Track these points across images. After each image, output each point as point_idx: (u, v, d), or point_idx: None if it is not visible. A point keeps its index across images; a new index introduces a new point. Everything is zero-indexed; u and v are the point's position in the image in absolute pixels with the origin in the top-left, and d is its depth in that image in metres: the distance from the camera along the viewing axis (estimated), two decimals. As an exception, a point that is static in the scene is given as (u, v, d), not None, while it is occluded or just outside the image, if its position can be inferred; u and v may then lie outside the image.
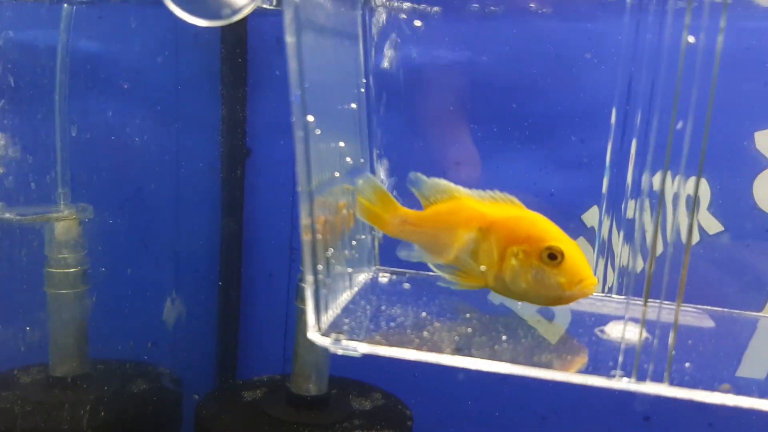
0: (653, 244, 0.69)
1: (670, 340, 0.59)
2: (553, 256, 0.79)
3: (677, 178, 0.74)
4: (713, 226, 1.34)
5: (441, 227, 0.87)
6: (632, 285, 1.01)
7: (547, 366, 0.63)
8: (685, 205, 0.81)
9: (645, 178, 1.03)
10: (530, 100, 1.37)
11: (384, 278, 0.89)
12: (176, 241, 1.51)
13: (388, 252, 0.91)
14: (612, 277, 1.07)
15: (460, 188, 0.89)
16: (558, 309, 0.88)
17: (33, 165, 1.26)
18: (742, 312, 0.88)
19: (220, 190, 1.54)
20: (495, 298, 0.89)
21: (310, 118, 0.58)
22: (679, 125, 0.70)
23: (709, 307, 0.88)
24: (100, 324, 1.33)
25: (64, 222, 1.29)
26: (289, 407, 1.30)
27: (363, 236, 0.85)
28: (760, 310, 1.33)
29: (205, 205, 1.55)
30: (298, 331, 1.26)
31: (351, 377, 1.44)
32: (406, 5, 0.93)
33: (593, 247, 1.35)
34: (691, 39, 0.61)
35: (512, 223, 0.84)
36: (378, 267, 0.92)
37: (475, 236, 0.84)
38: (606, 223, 1.13)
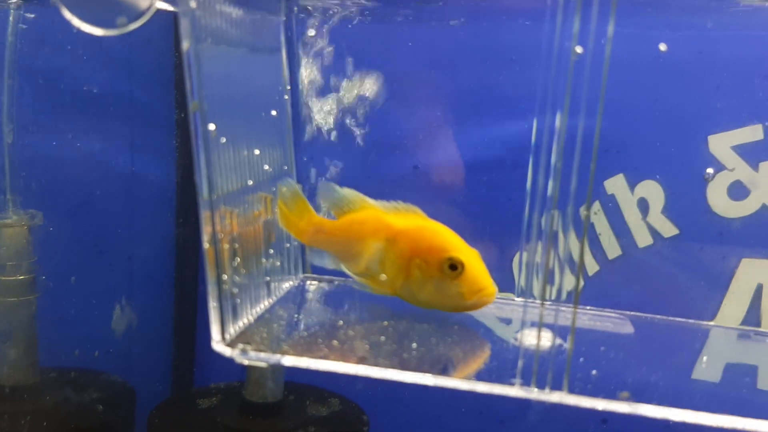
0: (548, 255, 0.69)
1: (568, 344, 0.59)
2: (454, 266, 0.82)
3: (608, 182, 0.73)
4: (668, 228, 1.35)
5: (352, 237, 0.89)
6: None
7: (447, 374, 0.62)
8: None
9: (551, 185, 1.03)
10: (478, 101, 1.37)
11: (312, 286, 0.88)
12: (130, 247, 1.49)
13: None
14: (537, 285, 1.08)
15: (368, 199, 0.91)
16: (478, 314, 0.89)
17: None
18: (667, 317, 0.88)
19: (175, 194, 1.52)
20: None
21: (212, 126, 0.58)
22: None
23: (639, 314, 0.88)
24: (50, 332, 1.31)
25: (12, 229, 1.27)
26: (243, 415, 1.28)
27: (288, 245, 0.85)
28: (714, 313, 1.34)
29: (160, 209, 1.53)
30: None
31: (309, 383, 1.43)
32: (335, 9, 0.92)
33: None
34: (579, 49, 0.61)
35: (416, 234, 0.86)
36: (307, 275, 0.91)
37: (383, 246, 0.87)
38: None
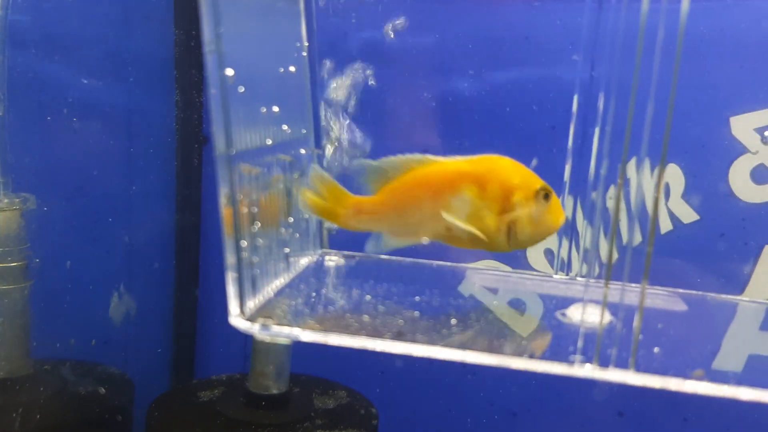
0: (612, 233, 0.64)
1: (636, 321, 0.53)
2: (547, 195, 0.79)
3: (644, 164, 0.68)
4: (688, 214, 1.30)
5: (409, 204, 0.80)
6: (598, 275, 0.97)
7: (501, 351, 0.57)
8: (652, 191, 0.76)
9: (605, 166, 0.99)
10: (495, 83, 1.32)
11: (331, 262, 0.82)
12: (128, 234, 1.43)
13: (340, 234, 0.84)
14: (577, 265, 1.03)
15: (413, 156, 0.82)
16: (530, 299, 0.84)
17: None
18: (717, 295, 0.83)
19: (175, 180, 1.47)
20: (465, 289, 0.84)
21: (230, 71, 0.52)
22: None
23: (681, 290, 0.82)
24: (44, 321, 1.25)
25: (4, 213, 1.21)
26: (248, 407, 1.24)
27: (307, 215, 0.79)
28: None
29: (159, 195, 1.48)
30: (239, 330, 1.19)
31: (315, 374, 1.38)
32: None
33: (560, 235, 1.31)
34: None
35: (499, 171, 0.80)
36: (325, 250, 0.85)
37: (469, 197, 0.79)
38: (569, 210, 1.09)
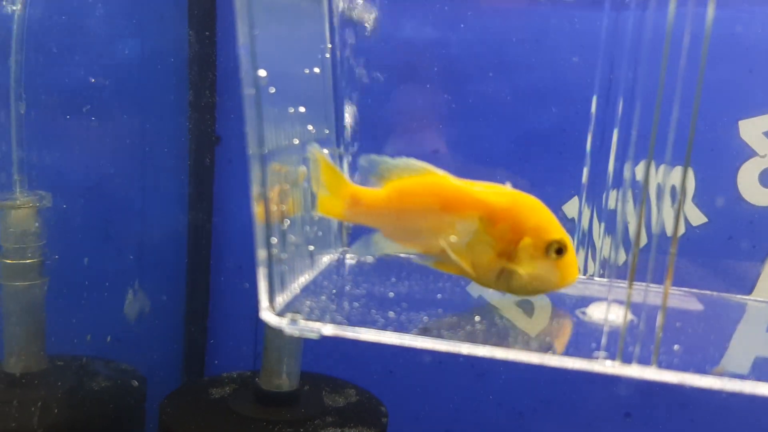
0: (637, 234, 0.64)
1: (659, 320, 0.54)
2: (560, 250, 0.73)
3: (661, 168, 0.69)
4: (697, 217, 1.31)
5: (412, 208, 0.76)
6: (614, 276, 0.97)
7: (526, 347, 0.58)
8: (669, 196, 0.77)
9: (627, 168, 0.99)
10: (509, 86, 1.33)
11: (351, 260, 0.83)
12: (141, 232, 1.44)
13: (359, 233, 0.85)
14: (593, 268, 1.03)
15: (429, 166, 0.77)
16: (536, 299, 0.83)
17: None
18: (732, 296, 0.84)
19: (188, 179, 1.47)
20: (474, 289, 0.83)
21: (262, 72, 0.53)
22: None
23: (696, 290, 0.83)
24: (59, 318, 1.26)
25: (20, 210, 1.22)
26: (258, 404, 1.25)
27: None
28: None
29: (172, 194, 1.49)
30: (268, 325, 1.20)
31: (325, 373, 1.39)
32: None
33: (573, 239, 1.32)
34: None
35: (517, 211, 0.74)
36: (345, 248, 0.86)
37: (474, 226, 0.74)
38: (586, 213, 1.09)
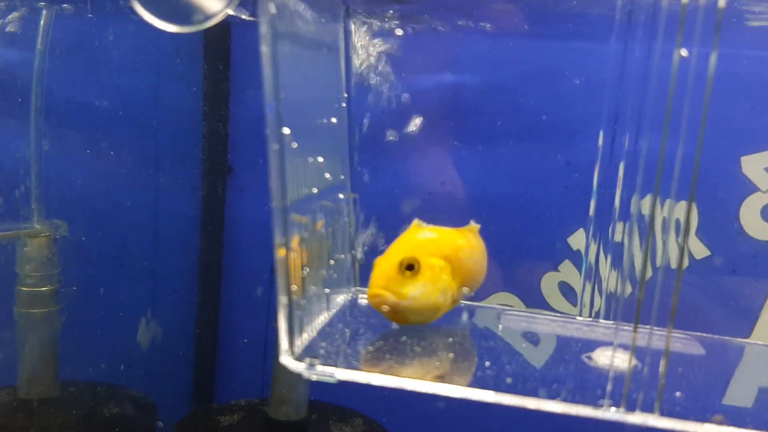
0: (643, 270, 0.67)
1: (661, 367, 0.56)
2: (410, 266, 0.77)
3: (667, 202, 0.71)
4: (700, 250, 1.33)
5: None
6: (620, 310, 0.99)
7: (533, 394, 0.60)
8: (674, 230, 0.79)
9: (634, 201, 1.01)
10: (516, 120, 1.36)
11: (364, 300, 0.86)
12: (153, 260, 1.46)
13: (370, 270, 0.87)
14: (599, 302, 1.05)
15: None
16: (543, 334, 0.85)
17: (3, 179, 1.22)
18: (732, 338, 0.86)
19: (200, 208, 1.50)
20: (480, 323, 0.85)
21: (286, 130, 0.56)
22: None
23: (698, 333, 0.85)
24: (72, 345, 1.28)
25: (37, 239, 1.25)
26: (267, 432, 1.26)
27: (342, 255, 0.82)
28: (746, 336, 1.31)
29: (184, 223, 1.51)
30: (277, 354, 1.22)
31: (332, 402, 1.40)
32: (392, 23, 0.91)
33: (580, 271, 1.33)
34: (683, 52, 0.60)
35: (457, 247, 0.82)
36: (358, 288, 0.88)
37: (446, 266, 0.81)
38: (593, 246, 1.11)
